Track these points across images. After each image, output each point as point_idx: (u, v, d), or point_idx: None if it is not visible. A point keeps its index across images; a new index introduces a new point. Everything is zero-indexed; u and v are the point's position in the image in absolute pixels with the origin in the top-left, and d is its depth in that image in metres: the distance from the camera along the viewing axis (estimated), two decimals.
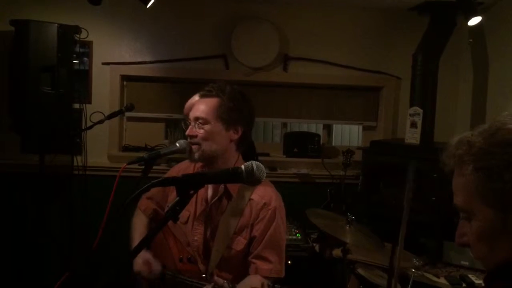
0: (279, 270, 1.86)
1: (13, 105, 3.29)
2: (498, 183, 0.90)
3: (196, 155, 1.86)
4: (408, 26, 4.01)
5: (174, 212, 1.23)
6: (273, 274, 1.83)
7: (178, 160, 3.73)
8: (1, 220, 3.85)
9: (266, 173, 1.43)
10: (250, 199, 1.86)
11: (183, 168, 2.06)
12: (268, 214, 1.84)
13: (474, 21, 3.56)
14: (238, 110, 1.87)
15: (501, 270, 0.94)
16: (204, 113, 1.85)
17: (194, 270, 1.77)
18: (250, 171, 1.37)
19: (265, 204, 1.85)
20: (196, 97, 1.98)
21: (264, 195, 1.87)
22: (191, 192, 1.28)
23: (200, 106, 1.88)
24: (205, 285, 1.65)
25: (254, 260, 1.84)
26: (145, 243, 1.26)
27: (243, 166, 1.38)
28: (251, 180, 1.38)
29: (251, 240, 1.85)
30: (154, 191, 2.14)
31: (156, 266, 1.87)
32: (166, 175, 2.07)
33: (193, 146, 1.86)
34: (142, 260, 1.88)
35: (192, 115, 1.88)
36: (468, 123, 3.94)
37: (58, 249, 3.68)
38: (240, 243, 1.84)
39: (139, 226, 2.08)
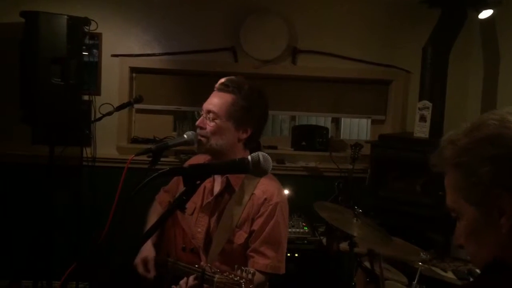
0: (276, 266, 1.83)
1: (24, 97, 3.31)
2: (473, 178, 0.90)
3: (203, 148, 1.88)
4: (418, 19, 3.97)
5: (181, 202, 1.24)
6: (269, 269, 1.81)
7: (186, 152, 3.79)
8: (11, 210, 3.89)
9: (274, 166, 1.43)
10: (252, 194, 1.86)
11: (201, 159, 2.06)
12: (269, 210, 1.83)
13: (485, 14, 3.53)
14: (250, 111, 1.87)
15: (489, 269, 0.94)
16: (216, 108, 1.85)
17: (194, 261, 1.78)
18: (256, 162, 1.37)
19: (266, 199, 1.84)
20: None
21: (266, 190, 1.86)
22: (198, 182, 1.29)
23: (214, 99, 1.89)
24: (196, 271, 1.65)
25: (251, 254, 1.83)
26: (152, 232, 1.27)
27: (249, 157, 1.38)
28: (258, 171, 1.39)
29: (251, 234, 1.85)
30: (171, 184, 2.17)
31: (150, 271, 1.90)
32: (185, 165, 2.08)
33: (201, 138, 1.87)
34: (142, 258, 1.90)
35: (205, 107, 1.89)
36: None
37: (67, 239, 3.72)
38: (241, 237, 1.84)
39: (152, 217, 2.11)
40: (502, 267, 0.91)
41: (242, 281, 1.43)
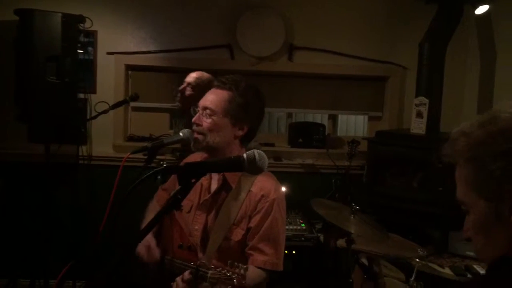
0: (274, 263, 1.83)
1: (19, 95, 3.29)
2: (485, 172, 0.89)
3: (200, 146, 1.87)
4: (415, 16, 3.97)
5: (176, 200, 1.23)
6: (268, 266, 1.81)
7: (183, 150, 3.77)
8: (7, 209, 3.87)
9: (271, 163, 1.42)
10: (249, 191, 1.85)
11: (198, 158, 2.05)
12: (266, 206, 1.83)
13: (481, 9, 3.53)
14: (247, 108, 1.86)
15: (498, 265, 0.92)
16: (213, 104, 1.84)
17: (191, 258, 1.77)
18: (252, 159, 1.37)
19: (263, 196, 1.84)
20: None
21: (263, 187, 1.86)
22: (193, 180, 1.28)
23: (211, 96, 1.88)
24: (191, 267, 1.65)
25: (250, 252, 1.83)
26: (148, 229, 1.26)
27: (245, 155, 1.38)
28: (253, 169, 1.38)
29: (248, 231, 1.84)
30: (169, 182, 2.17)
31: (155, 254, 1.88)
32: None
33: (198, 136, 1.86)
34: (144, 244, 1.89)
35: (201, 103, 1.88)
36: (475, 113, 3.91)
37: (64, 237, 3.70)
38: (238, 234, 1.84)
39: (150, 215, 2.11)
40: (510, 264, 0.90)
41: (234, 276, 1.43)
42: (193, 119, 1.88)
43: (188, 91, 3.08)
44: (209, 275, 1.49)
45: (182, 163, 2.02)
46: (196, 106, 1.91)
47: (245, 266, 1.47)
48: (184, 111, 3.22)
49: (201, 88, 3.08)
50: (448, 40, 3.62)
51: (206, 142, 1.85)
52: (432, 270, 2.83)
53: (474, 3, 3.54)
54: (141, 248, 1.90)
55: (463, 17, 3.64)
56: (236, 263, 1.47)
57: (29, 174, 3.76)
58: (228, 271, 1.46)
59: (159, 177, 1.31)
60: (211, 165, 1.54)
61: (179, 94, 3.16)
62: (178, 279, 1.69)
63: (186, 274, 1.63)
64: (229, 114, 1.84)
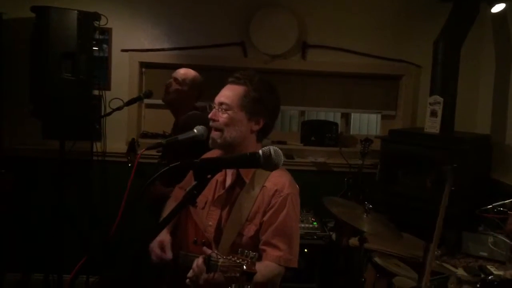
0: (288, 259, 1.80)
1: (34, 91, 3.33)
2: None
3: (216, 144, 1.87)
4: (429, 14, 3.94)
5: (191, 196, 1.24)
6: (282, 262, 1.79)
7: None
8: (22, 204, 3.92)
9: (284, 161, 1.42)
10: (263, 186, 1.85)
11: (215, 154, 2.06)
12: (279, 201, 1.82)
13: (498, 8, 3.49)
14: (262, 101, 1.87)
15: None
16: (229, 99, 1.85)
17: (205, 254, 1.77)
18: (267, 156, 1.37)
19: (276, 190, 1.83)
20: None
21: (277, 182, 1.86)
22: (208, 176, 1.28)
23: (226, 91, 1.89)
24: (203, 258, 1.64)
25: (263, 247, 1.82)
26: (164, 224, 1.27)
27: (260, 151, 1.38)
28: (269, 165, 1.38)
29: (261, 226, 1.84)
30: (186, 180, 2.18)
31: (168, 254, 1.89)
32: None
33: (215, 133, 1.86)
34: (158, 242, 1.90)
35: (217, 99, 1.89)
36: (490, 113, 3.87)
37: (77, 233, 3.74)
38: (251, 230, 1.83)
39: (167, 212, 2.11)
40: None
41: (244, 263, 1.43)
42: (210, 115, 1.89)
43: (174, 86, 3.13)
44: (219, 263, 1.50)
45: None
46: (213, 102, 1.92)
47: (254, 253, 1.47)
48: (169, 106, 3.24)
49: (186, 85, 3.11)
50: (463, 38, 3.58)
51: (223, 138, 1.85)
52: (446, 270, 2.81)
53: (490, 2, 3.50)
54: (154, 245, 1.91)
55: (479, 15, 3.60)
56: (246, 251, 1.47)
57: (43, 170, 3.81)
58: (238, 258, 1.46)
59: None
60: (227, 161, 1.54)
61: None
62: (193, 266, 1.68)
63: (200, 262, 1.62)
64: (244, 108, 1.85)
